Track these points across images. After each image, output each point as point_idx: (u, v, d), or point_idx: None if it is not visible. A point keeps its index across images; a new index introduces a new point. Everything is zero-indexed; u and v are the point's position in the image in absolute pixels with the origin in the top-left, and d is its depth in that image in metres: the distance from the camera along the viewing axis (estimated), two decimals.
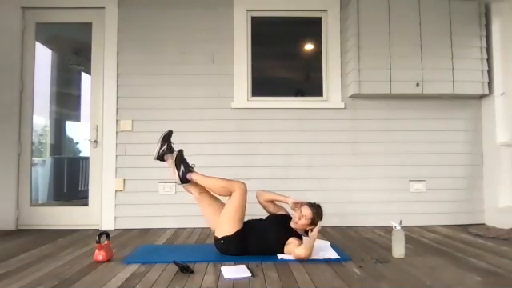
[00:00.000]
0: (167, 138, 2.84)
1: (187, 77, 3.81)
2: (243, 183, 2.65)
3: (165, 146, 2.81)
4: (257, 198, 2.84)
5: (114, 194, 3.69)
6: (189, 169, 2.77)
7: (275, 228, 2.64)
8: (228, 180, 2.71)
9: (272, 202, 2.86)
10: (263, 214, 2.84)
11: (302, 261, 2.42)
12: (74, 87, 4.23)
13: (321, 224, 2.61)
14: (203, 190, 2.78)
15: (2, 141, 3.71)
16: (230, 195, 2.62)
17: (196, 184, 2.75)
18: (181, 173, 2.73)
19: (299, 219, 2.60)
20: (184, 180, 2.73)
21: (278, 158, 3.77)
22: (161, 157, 2.81)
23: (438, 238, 3.19)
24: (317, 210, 2.62)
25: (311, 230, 2.55)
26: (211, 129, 3.78)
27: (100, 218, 3.69)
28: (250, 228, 2.62)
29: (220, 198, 2.79)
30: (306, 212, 2.60)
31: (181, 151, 2.81)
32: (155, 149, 2.80)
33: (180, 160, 2.76)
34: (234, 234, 2.55)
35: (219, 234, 2.58)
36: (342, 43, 3.87)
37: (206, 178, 2.74)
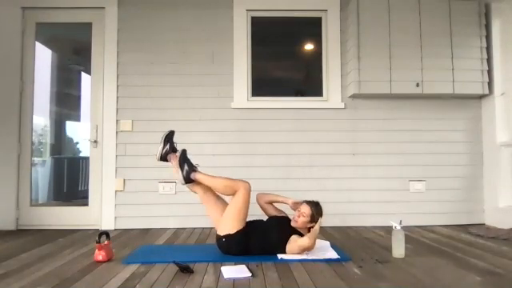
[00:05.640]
0: (169, 137, 2.82)
1: (187, 77, 3.81)
2: (248, 183, 2.63)
3: (167, 146, 2.78)
4: (257, 200, 2.84)
5: (114, 194, 3.69)
6: (193, 168, 2.75)
7: (277, 228, 2.64)
8: (232, 179, 2.70)
9: (272, 203, 2.87)
10: (263, 215, 2.84)
11: (302, 260, 2.42)
12: (73, 87, 4.23)
13: (321, 221, 2.60)
14: (208, 189, 2.75)
15: (2, 141, 3.70)
16: (234, 194, 2.62)
17: (200, 183, 2.73)
18: (185, 172, 2.71)
19: (298, 217, 2.60)
20: (188, 180, 2.72)
21: (278, 158, 3.77)
22: (164, 157, 2.79)
23: (438, 238, 3.19)
24: (315, 207, 2.62)
25: (313, 227, 2.56)
26: (211, 129, 3.78)
27: (100, 218, 3.69)
28: (251, 228, 2.61)
29: (224, 197, 2.78)
30: (305, 209, 2.60)
31: (184, 151, 2.79)
32: (158, 149, 2.78)
33: (184, 159, 2.75)
34: (237, 232, 2.54)
35: (221, 233, 2.58)
36: (341, 43, 3.87)
37: (210, 177, 2.72)
